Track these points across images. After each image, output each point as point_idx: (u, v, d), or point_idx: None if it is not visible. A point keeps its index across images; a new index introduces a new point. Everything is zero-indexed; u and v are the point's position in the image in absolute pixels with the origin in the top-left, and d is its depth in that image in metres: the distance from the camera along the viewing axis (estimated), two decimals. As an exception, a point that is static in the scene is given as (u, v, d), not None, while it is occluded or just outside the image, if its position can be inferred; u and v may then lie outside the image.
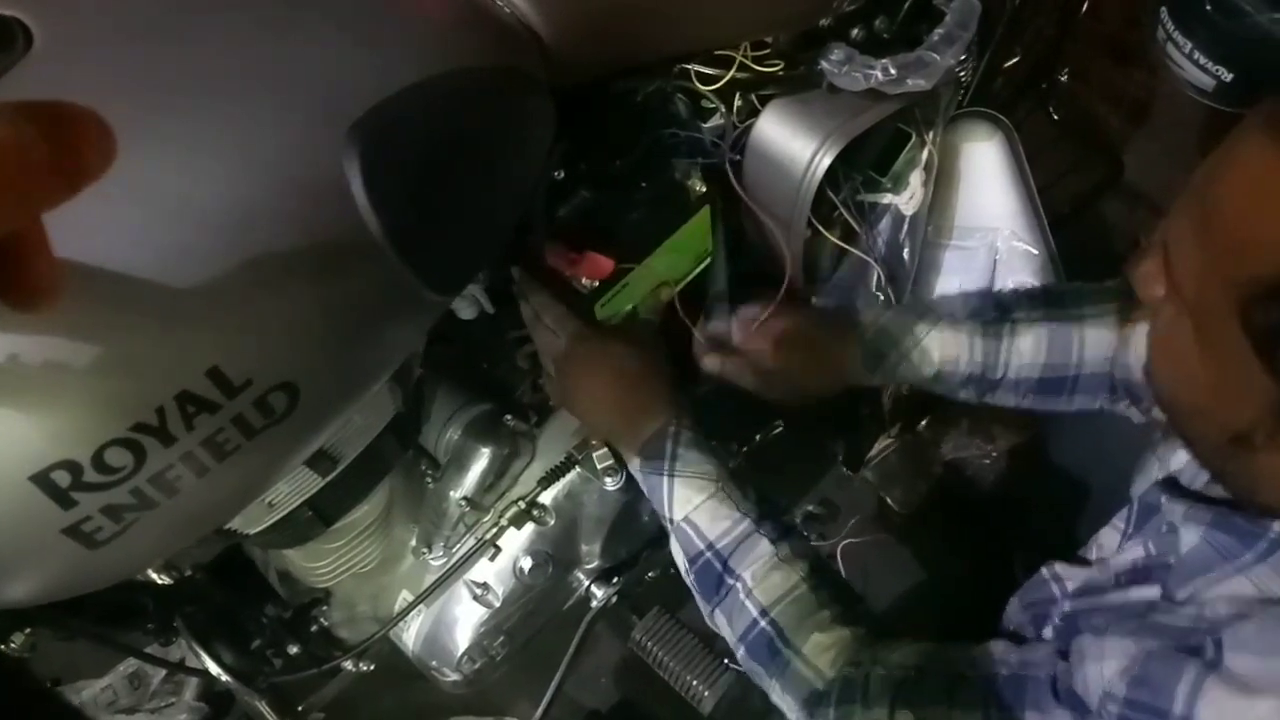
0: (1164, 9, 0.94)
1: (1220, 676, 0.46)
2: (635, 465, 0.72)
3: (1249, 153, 0.44)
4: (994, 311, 0.79)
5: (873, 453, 1.22)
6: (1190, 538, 0.55)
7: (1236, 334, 0.44)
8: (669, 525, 0.69)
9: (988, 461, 1.34)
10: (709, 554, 0.67)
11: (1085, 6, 1.12)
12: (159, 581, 0.78)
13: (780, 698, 0.65)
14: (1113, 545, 0.67)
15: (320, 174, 0.47)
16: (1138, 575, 0.61)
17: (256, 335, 0.45)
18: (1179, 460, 0.65)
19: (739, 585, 0.65)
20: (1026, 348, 0.78)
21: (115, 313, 0.41)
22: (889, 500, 1.33)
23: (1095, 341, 0.78)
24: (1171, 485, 0.62)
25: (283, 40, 0.49)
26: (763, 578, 0.65)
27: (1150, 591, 0.57)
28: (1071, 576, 0.68)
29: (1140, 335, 0.73)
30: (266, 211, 0.45)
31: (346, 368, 0.52)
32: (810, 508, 1.35)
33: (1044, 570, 0.70)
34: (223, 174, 0.44)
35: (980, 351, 0.79)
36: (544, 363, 0.80)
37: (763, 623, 0.64)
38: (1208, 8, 0.89)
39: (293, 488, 0.69)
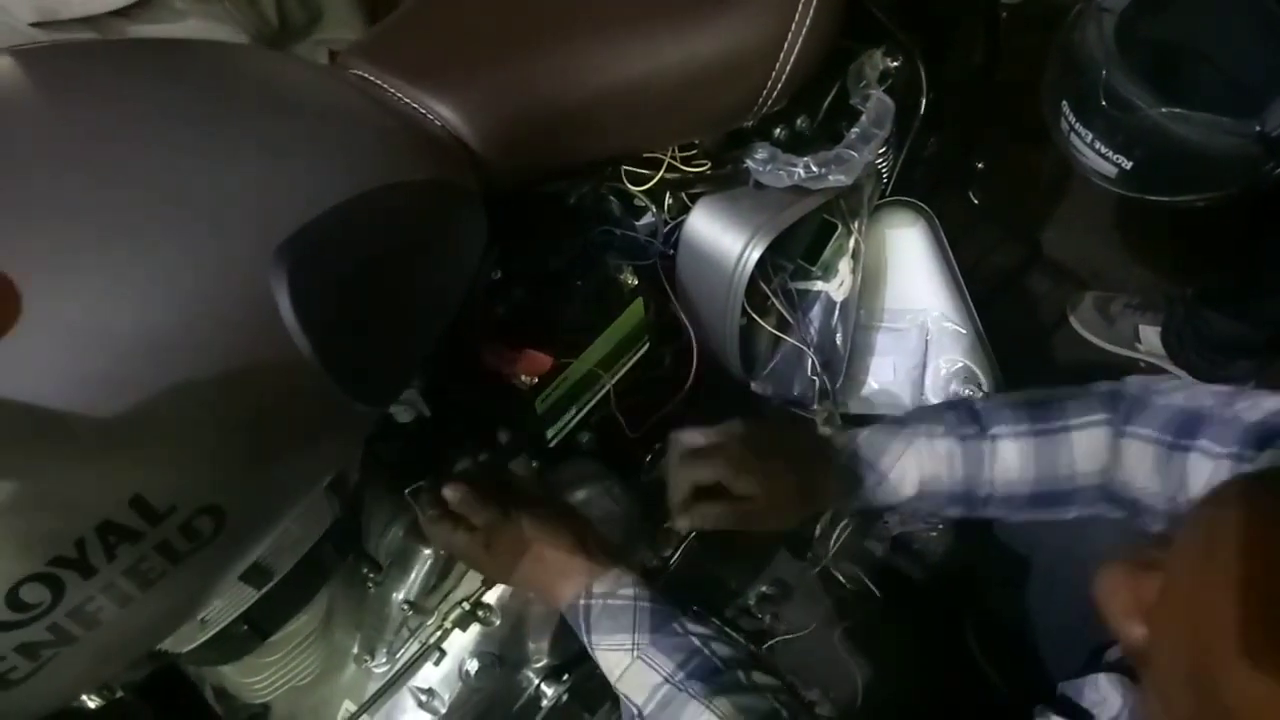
0: (1065, 103, 1.01)
1: None
2: None
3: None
4: (973, 425, 0.74)
5: (818, 534, 1.22)
6: None
7: None
8: None
9: (934, 534, 1.35)
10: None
11: (994, 98, 1.18)
12: (88, 705, 0.75)
13: None
14: (1116, 701, 0.57)
15: (246, 296, 0.47)
16: None
17: (181, 461, 0.45)
18: None
19: None
20: (1013, 463, 0.73)
21: (30, 447, 0.40)
22: (839, 576, 1.33)
23: (1086, 452, 0.71)
24: None
25: (206, 163, 0.50)
26: None
27: None
28: None
29: (1134, 453, 0.69)
30: (190, 336, 0.45)
31: (275, 486, 0.51)
32: (763, 588, 1.35)
33: None
34: (144, 301, 0.44)
35: (962, 468, 0.73)
36: (455, 555, 0.80)
37: None
38: (1103, 103, 0.94)
39: (226, 602, 0.67)
